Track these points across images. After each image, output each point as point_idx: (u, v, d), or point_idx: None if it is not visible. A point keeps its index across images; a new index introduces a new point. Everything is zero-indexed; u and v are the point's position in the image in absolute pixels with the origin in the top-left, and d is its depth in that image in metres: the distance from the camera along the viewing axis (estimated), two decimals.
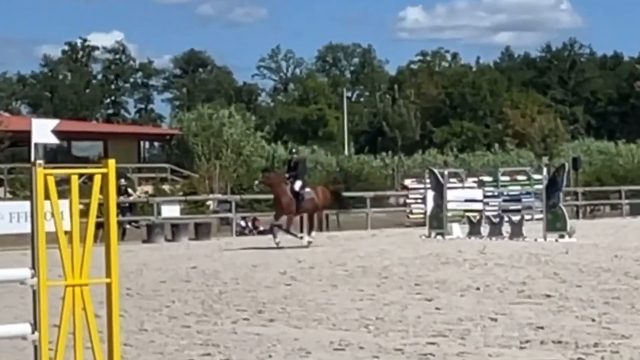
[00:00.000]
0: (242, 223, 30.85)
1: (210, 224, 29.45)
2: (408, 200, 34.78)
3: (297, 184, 21.27)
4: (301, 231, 22.05)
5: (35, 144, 6.48)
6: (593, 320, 10.16)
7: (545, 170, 25.79)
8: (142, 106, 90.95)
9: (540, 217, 24.01)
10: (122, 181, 29.75)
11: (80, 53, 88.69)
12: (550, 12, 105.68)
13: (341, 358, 8.44)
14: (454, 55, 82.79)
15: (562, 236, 22.61)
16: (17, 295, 9.95)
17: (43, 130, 6.60)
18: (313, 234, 21.67)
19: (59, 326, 5.82)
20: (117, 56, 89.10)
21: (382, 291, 13.49)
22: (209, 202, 33.30)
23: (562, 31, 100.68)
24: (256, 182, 24.00)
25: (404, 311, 11.30)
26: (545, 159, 34.53)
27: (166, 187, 39.05)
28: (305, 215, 21.83)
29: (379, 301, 12.32)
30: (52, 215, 5.94)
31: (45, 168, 5.99)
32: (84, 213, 5.99)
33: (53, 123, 6.79)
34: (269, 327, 10.28)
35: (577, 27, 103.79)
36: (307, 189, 21.73)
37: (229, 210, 30.90)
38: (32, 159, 6.21)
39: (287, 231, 21.52)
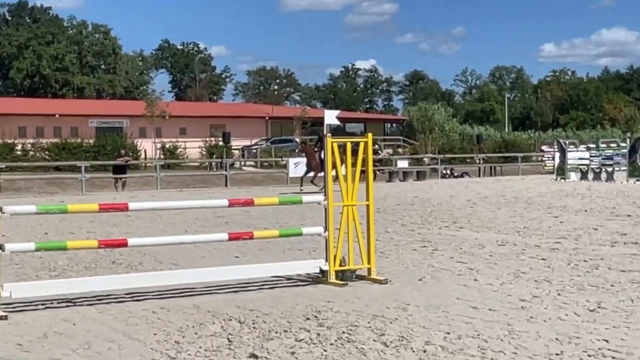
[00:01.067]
0: (444, 171, 47.18)
1: (426, 172, 45.80)
2: (543, 158, 50.71)
3: (322, 153, 26.20)
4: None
5: (327, 125, 11.21)
6: None
7: (628, 141, 36.88)
8: (386, 103, 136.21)
9: (625, 169, 34.87)
10: (375, 146, 45.86)
11: (350, 72, 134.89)
12: (634, 45, 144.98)
13: (503, 249, 13.14)
14: (573, 72, 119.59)
15: (638, 180, 32.36)
16: (315, 211, 13.18)
17: (331, 116, 11.42)
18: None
19: (339, 229, 10.19)
20: (372, 74, 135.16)
21: (527, 211, 19.90)
22: (425, 159, 51.24)
23: (638, 56, 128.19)
24: (297, 150, 36.94)
25: (541, 223, 16.91)
26: (628, 134, 45.20)
27: (400, 150, 63.12)
28: None
29: (525, 217, 18.34)
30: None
31: (331, 138, 10.31)
32: (354, 164, 10.33)
33: (336, 112, 11.89)
34: (460, 231, 15.83)
35: None
36: None
37: (437, 163, 48.35)
38: (325, 133, 10.89)
39: (312, 182, 28.23)
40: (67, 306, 9.03)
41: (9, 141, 47.28)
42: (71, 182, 35.36)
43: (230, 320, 8.18)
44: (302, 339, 7.28)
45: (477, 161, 50.59)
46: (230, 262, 11.87)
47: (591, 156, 38.09)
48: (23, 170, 39.71)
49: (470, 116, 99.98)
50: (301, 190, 26.60)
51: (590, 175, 36.00)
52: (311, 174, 29.14)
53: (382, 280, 10.23)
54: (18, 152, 48.08)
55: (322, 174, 26.22)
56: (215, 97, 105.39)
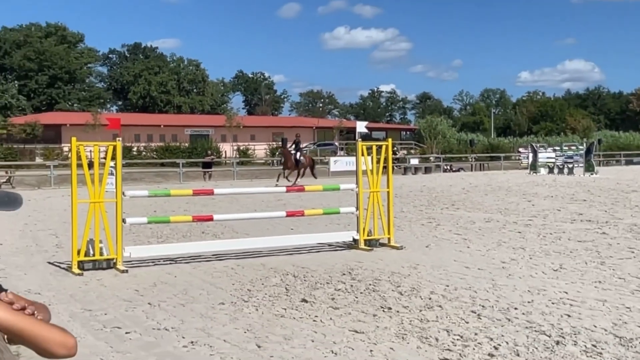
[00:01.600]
0: (445, 167, 45.16)
1: (431, 167, 44.40)
2: (520, 157, 49.97)
3: (297, 154, 26.50)
4: (299, 177, 26.64)
5: (358, 132, 12.59)
6: (605, 211, 14.98)
7: (584, 144, 35.99)
8: (402, 116, 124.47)
9: (582, 165, 33.78)
10: (394, 148, 43.88)
11: (375, 94, 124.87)
12: (589, 73, 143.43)
13: (488, 224, 13.06)
14: (543, 93, 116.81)
15: (592, 174, 32.05)
16: (350, 195, 11.82)
17: (361, 126, 13.12)
18: (299, 179, 26.22)
19: (367, 209, 10.30)
20: (392, 95, 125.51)
21: (507, 197, 19.62)
22: (431, 158, 48.98)
23: (593, 81, 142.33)
24: (277, 152, 32.64)
25: (518, 205, 16.81)
26: (584, 140, 43.42)
27: (412, 151, 59.37)
28: (302, 170, 26.66)
29: (505, 201, 18.22)
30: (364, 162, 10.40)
31: (362, 143, 10.57)
32: (377, 161, 10.54)
33: (365, 123, 13.80)
34: (456, 211, 15.77)
35: (602, 79, 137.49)
36: (301, 157, 26.76)
37: (440, 161, 46.23)
38: (357, 138, 11.25)
39: (286, 177, 26.13)
40: (170, 263, 9.18)
41: (128, 145, 47.92)
42: (172, 175, 35.73)
43: (287, 274, 8.25)
44: (340, 289, 7.32)
45: (470, 160, 50.19)
46: (287, 232, 11.94)
47: (556, 156, 37.45)
48: (137, 165, 40.22)
49: (465, 126, 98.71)
50: (276, 185, 23.52)
51: (556, 170, 35.51)
52: (287, 171, 26.42)
53: (399, 246, 10.23)
54: (134, 153, 48.69)
55: (295, 171, 26.21)
56: (276, 112, 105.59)
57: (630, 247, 9.87)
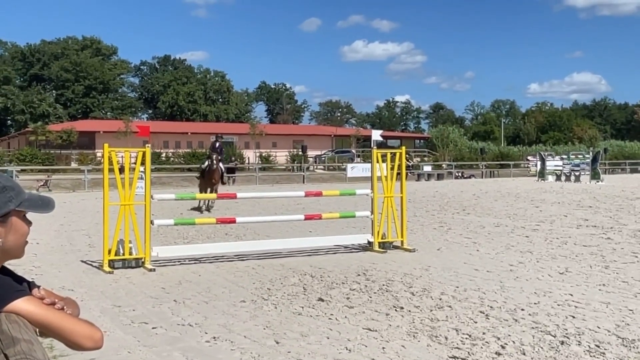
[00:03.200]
0: (457, 174, 45.20)
1: (444, 174, 44.41)
2: (529, 165, 49.89)
3: (220, 163, 17.93)
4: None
5: (373, 140, 12.04)
6: (610, 217, 14.95)
7: (590, 153, 35.92)
8: (416, 125, 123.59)
9: (588, 173, 33.87)
10: (407, 155, 46.61)
11: (391, 104, 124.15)
12: (596, 85, 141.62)
13: (498, 229, 13.01)
14: (551, 104, 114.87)
15: (597, 182, 31.97)
16: (365, 200, 11.44)
17: (376, 134, 12.26)
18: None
19: (381, 213, 10.20)
20: (406, 105, 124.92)
21: (516, 202, 19.67)
22: (443, 165, 48.85)
23: (600, 92, 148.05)
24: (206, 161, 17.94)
25: (526, 211, 16.83)
26: (590, 149, 42.51)
27: (425, 158, 59.39)
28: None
29: (514, 206, 18.22)
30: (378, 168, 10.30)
31: (377, 150, 10.46)
32: (392, 168, 10.44)
33: (380, 131, 12.68)
34: (467, 216, 15.82)
35: (608, 90, 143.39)
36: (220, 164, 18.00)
37: (452, 168, 46.77)
38: (372, 146, 11.44)
39: (208, 206, 18.35)
40: (194, 263, 9.22)
41: (157, 150, 48.23)
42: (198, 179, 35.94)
43: (305, 275, 8.25)
44: (355, 289, 7.30)
45: (481, 167, 49.84)
46: (305, 235, 11.95)
47: (564, 164, 37.21)
48: (166, 170, 40.48)
49: (476, 135, 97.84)
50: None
51: (563, 178, 35.37)
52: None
53: (411, 249, 10.19)
54: (163, 158, 48.98)
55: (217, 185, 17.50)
56: (296, 121, 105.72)
57: (633, 252, 9.74)
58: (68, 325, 1.55)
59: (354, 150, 60.30)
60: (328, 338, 5.32)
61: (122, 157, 9.41)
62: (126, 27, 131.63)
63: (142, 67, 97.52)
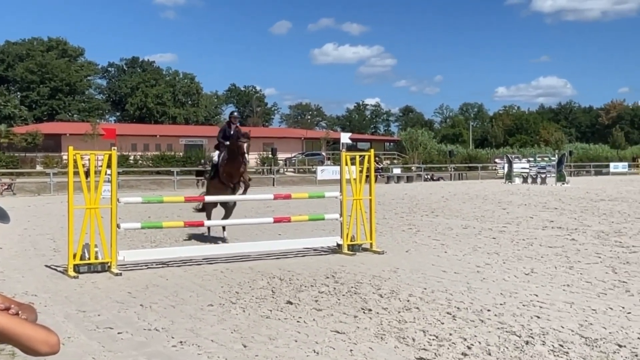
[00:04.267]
0: (426, 176, 45.50)
1: (413, 177, 44.41)
2: (496, 168, 50.85)
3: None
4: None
5: (342, 143, 11.53)
6: (575, 219, 15.11)
7: (556, 156, 36.50)
8: (386, 128, 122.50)
9: (554, 176, 34.49)
10: (377, 158, 43.22)
11: (361, 107, 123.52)
12: (562, 88, 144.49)
13: (465, 230, 13.11)
14: (518, 107, 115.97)
15: (563, 184, 32.73)
16: (334, 202, 10.96)
17: (345, 137, 11.97)
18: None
19: (350, 215, 10.24)
20: (376, 108, 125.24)
21: (484, 204, 19.86)
22: (412, 167, 48.89)
23: (565, 96, 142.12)
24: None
25: (493, 213, 17.03)
26: (556, 151, 43.15)
27: (395, 161, 59.65)
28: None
29: (482, 208, 18.40)
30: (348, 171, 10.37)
31: (346, 153, 10.44)
32: (361, 171, 10.48)
33: (349, 134, 12.61)
34: (436, 218, 15.90)
35: (573, 94, 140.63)
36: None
37: (421, 171, 46.92)
38: (341, 148, 11.09)
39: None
40: (162, 267, 9.12)
41: (125, 153, 47.64)
42: (167, 182, 35.58)
43: (274, 277, 8.22)
44: (323, 291, 7.30)
45: (450, 169, 50.40)
46: (274, 237, 11.92)
47: (530, 166, 37.81)
48: (134, 173, 39.99)
49: (445, 138, 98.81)
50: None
51: (529, 180, 35.95)
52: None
53: (380, 251, 10.23)
54: (131, 161, 48.38)
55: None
56: (266, 124, 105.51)
57: (597, 253, 9.94)
58: (22, 330, 1.51)
59: (324, 153, 60.46)
60: (296, 341, 5.30)
61: (88, 160, 9.27)
62: (93, 28, 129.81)
63: (109, 68, 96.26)
